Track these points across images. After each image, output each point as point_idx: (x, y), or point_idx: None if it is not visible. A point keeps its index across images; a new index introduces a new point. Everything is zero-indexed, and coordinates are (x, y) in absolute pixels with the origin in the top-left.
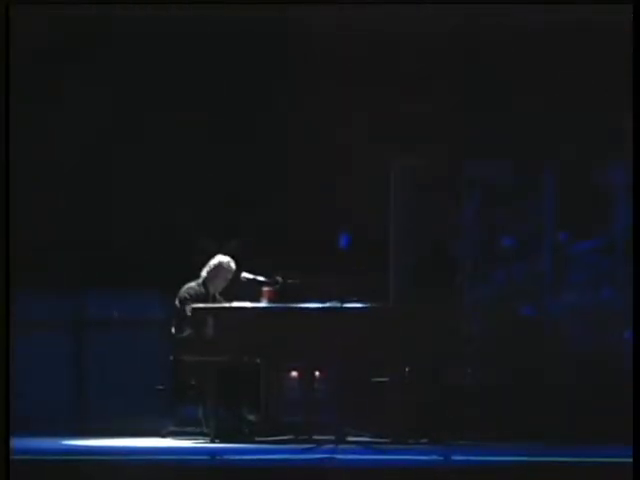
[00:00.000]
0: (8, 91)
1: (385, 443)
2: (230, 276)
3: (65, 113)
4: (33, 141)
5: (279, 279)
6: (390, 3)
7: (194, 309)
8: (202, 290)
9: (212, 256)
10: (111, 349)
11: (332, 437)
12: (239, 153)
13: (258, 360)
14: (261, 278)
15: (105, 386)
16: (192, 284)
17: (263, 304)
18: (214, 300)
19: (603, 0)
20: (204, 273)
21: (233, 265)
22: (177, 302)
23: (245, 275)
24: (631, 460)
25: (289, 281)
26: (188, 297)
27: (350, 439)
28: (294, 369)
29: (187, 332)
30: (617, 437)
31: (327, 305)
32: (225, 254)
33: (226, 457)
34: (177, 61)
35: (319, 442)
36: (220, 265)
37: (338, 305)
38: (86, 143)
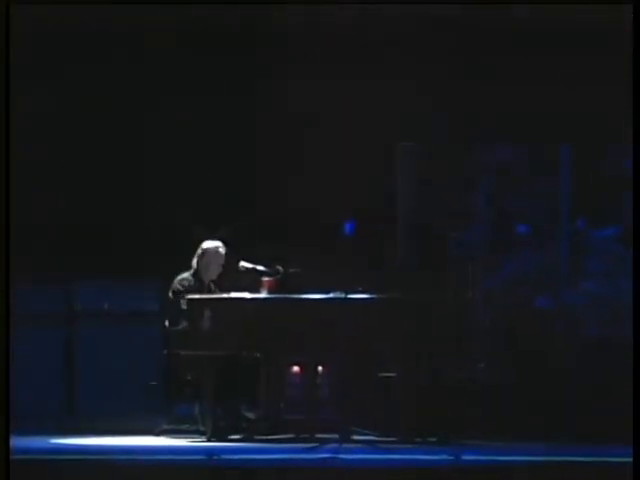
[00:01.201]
0: (8, 91)
1: (392, 442)
2: (222, 261)
3: (63, 111)
4: (31, 139)
5: (280, 268)
6: (391, 3)
7: (189, 300)
8: (195, 280)
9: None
10: (102, 343)
11: (336, 436)
12: (239, 138)
13: (257, 354)
14: (261, 267)
15: (96, 382)
16: (185, 275)
17: (263, 295)
18: (209, 290)
19: (603, 0)
20: (194, 263)
21: (222, 250)
22: (170, 295)
23: (244, 264)
24: None
25: (290, 270)
26: (182, 289)
27: (355, 438)
28: (296, 364)
29: (182, 325)
30: None
31: (330, 296)
32: (213, 239)
33: (223, 457)
34: (175, 56)
35: (322, 441)
36: (208, 252)
37: (342, 296)
38: (82, 137)
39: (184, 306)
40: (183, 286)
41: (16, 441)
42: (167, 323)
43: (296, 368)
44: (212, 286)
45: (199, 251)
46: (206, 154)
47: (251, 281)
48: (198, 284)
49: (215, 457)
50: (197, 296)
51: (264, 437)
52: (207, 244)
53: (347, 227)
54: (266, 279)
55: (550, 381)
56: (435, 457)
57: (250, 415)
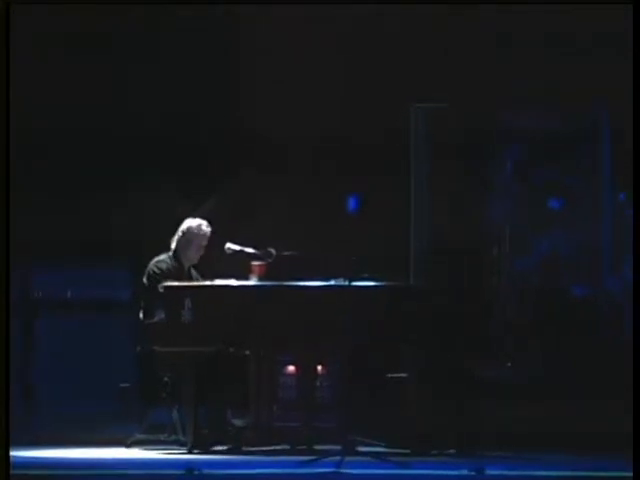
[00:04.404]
0: (8, 91)
1: (402, 454)
2: (205, 242)
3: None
4: (30, 137)
5: (272, 251)
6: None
7: (167, 288)
8: (174, 264)
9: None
10: (65, 338)
11: (337, 447)
12: (230, 101)
13: (246, 351)
14: (250, 250)
15: (58, 383)
16: (162, 257)
17: (252, 282)
18: (190, 276)
19: (603, 0)
20: (173, 243)
21: (206, 228)
22: (145, 280)
23: (231, 246)
24: None
25: (285, 254)
26: (158, 272)
27: (359, 449)
28: (291, 363)
29: (158, 316)
30: None
31: (331, 283)
32: (195, 217)
33: (206, 471)
34: (173, 53)
35: (321, 453)
36: (189, 230)
37: (345, 283)
38: (71, 135)
39: (161, 294)
40: (160, 269)
41: None
42: (141, 314)
43: (291, 368)
44: (193, 272)
45: (179, 230)
46: (188, 119)
47: (239, 266)
48: (177, 268)
49: (197, 471)
50: (176, 283)
51: (254, 448)
52: (189, 221)
53: (351, 202)
54: (256, 263)
55: (589, 382)
56: (454, 472)
57: (238, 422)
